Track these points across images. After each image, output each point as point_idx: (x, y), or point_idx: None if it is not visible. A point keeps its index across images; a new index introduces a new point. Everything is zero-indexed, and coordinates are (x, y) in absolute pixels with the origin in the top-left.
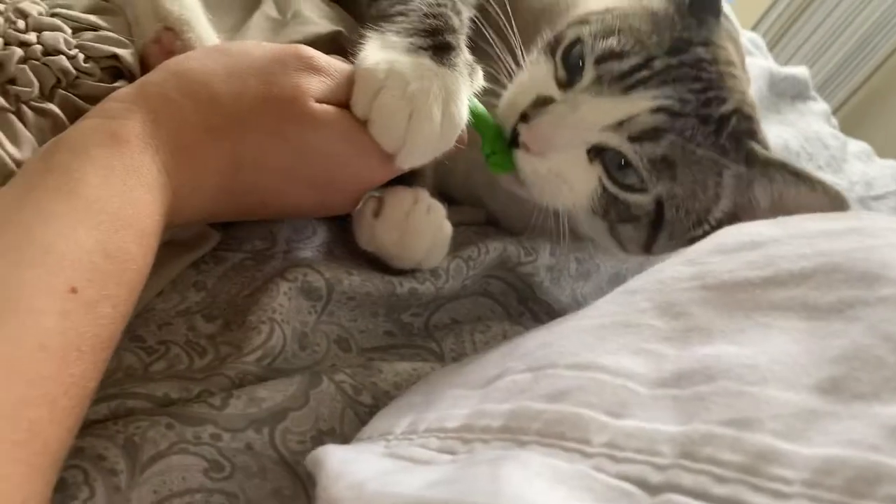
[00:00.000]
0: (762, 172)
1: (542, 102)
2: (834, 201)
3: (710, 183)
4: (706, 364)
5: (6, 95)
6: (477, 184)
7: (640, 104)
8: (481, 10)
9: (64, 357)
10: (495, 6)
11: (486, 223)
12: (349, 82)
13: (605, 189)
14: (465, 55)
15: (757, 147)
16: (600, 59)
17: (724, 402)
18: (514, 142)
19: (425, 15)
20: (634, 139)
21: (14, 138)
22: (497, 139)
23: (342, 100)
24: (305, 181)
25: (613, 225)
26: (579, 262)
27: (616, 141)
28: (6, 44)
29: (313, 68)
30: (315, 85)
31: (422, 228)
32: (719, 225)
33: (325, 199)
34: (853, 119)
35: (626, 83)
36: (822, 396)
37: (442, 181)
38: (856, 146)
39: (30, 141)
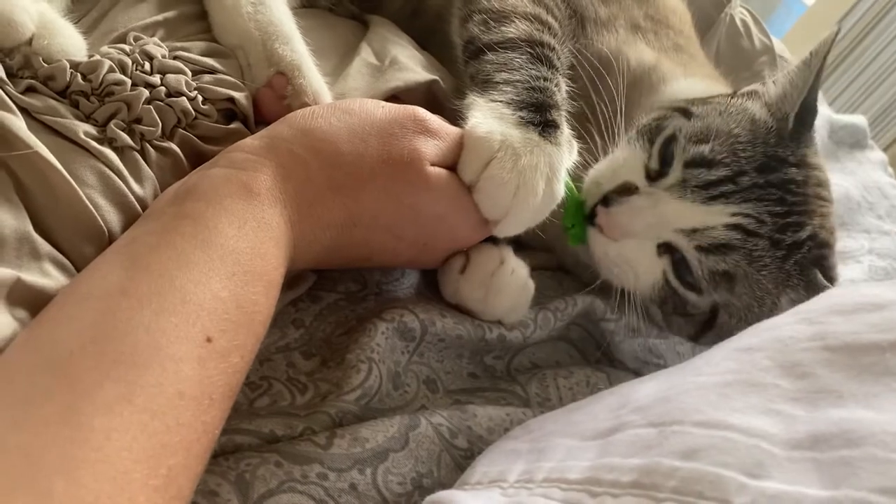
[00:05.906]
0: None
1: (626, 190)
2: None
3: (768, 301)
4: (844, 428)
5: (132, 134)
6: (552, 236)
7: (718, 218)
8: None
9: (199, 404)
10: (590, 71)
11: (557, 268)
12: (458, 146)
13: (667, 282)
14: (566, 131)
15: (819, 277)
16: (689, 164)
17: (874, 470)
18: (591, 219)
19: (532, 88)
20: (702, 249)
21: (137, 176)
22: (578, 213)
23: (451, 162)
24: (410, 239)
25: (668, 315)
26: None
27: (684, 245)
28: (133, 84)
29: (428, 131)
30: (430, 149)
31: (505, 289)
32: None
33: (420, 255)
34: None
35: (709, 193)
36: None
37: None
38: None
39: (151, 179)
